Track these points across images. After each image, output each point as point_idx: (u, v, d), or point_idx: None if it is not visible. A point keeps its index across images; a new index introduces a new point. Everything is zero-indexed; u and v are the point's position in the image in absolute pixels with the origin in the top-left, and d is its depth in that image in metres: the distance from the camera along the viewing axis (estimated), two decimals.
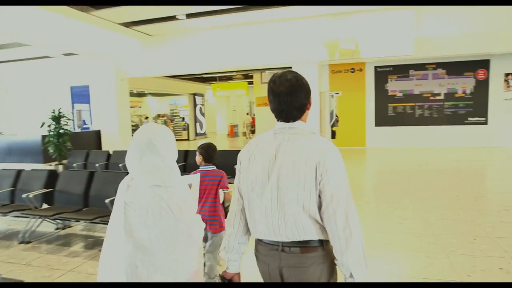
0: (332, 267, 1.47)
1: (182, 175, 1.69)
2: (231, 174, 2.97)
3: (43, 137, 9.65)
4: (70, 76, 13.42)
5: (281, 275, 1.47)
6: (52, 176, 4.88)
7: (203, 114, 22.09)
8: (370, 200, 5.78)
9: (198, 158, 3.00)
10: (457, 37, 9.81)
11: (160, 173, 1.51)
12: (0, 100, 15.31)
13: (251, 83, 18.41)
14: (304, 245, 1.43)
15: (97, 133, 12.73)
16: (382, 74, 12.94)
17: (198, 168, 3.05)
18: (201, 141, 3.34)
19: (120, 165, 7.02)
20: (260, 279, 1.61)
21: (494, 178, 7.54)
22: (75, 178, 4.70)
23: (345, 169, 1.42)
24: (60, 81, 13.66)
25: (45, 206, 4.81)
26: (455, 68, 12.37)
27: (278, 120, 1.55)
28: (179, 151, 1.97)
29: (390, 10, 9.37)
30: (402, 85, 12.79)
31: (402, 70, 12.77)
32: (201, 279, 1.65)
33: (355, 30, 9.74)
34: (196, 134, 21.20)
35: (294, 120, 1.52)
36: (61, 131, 9.06)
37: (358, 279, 1.36)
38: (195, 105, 21.44)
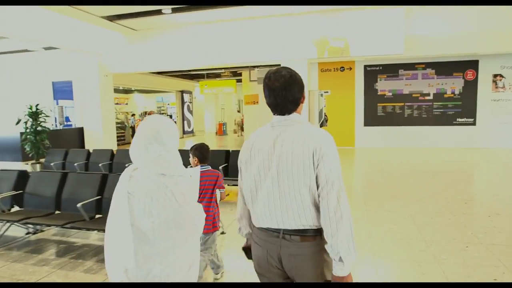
0: (323, 256, 1.54)
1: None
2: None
3: (22, 134, 9.26)
4: (51, 71, 12.96)
5: (279, 260, 1.55)
6: (23, 177, 4.57)
7: (191, 112, 21.74)
8: (358, 204, 5.60)
9: (193, 160, 2.98)
10: (446, 36, 9.72)
11: (165, 162, 1.55)
12: None
13: (239, 81, 18.14)
14: (303, 234, 1.50)
15: (80, 131, 12.34)
16: (372, 73, 12.83)
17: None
18: (189, 140, 3.14)
19: (100, 164, 6.73)
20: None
21: (483, 181, 7.45)
22: (47, 179, 4.40)
23: (338, 156, 1.51)
24: (41, 76, 13.18)
25: (16, 208, 4.51)
26: (444, 68, 12.33)
27: (274, 114, 1.64)
28: None
29: (380, 8, 9.21)
30: (392, 85, 12.70)
31: (391, 70, 12.67)
32: (196, 274, 1.67)
33: (344, 28, 9.56)
34: (184, 132, 20.85)
35: (289, 113, 1.59)
36: (39, 128, 8.65)
37: (347, 263, 1.42)
38: (182, 102, 21.07)
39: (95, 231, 4.04)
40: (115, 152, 7.15)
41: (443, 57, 12.04)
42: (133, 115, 22.04)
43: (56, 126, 12.98)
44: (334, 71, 13.11)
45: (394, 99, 12.70)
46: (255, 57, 10.46)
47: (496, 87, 12.19)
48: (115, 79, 14.08)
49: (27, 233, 4.53)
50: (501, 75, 12.13)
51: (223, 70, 16.61)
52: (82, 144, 12.24)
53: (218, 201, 3.01)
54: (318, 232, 1.51)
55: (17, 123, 8.52)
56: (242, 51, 10.40)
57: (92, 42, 10.70)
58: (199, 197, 2.79)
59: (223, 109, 24.30)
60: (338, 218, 1.42)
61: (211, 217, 2.93)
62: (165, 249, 1.53)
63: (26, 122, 8.55)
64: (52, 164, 7.05)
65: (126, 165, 6.51)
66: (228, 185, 5.54)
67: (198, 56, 10.92)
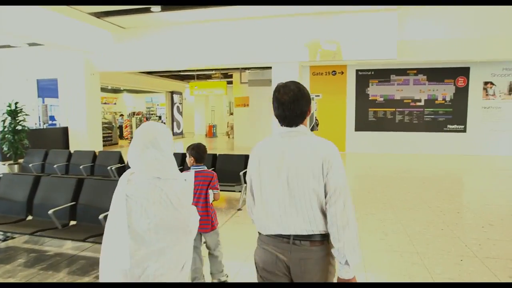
0: (333, 258, 1.64)
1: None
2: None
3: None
4: (36, 68, 12.55)
5: (288, 266, 1.62)
6: None
7: (180, 113, 21.44)
8: None
9: (189, 159, 3.01)
10: (438, 42, 9.64)
11: (160, 166, 1.61)
12: None
13: (230, 82, 17.92)
14: (312, 239, 1.59)
15: (65, 131, 11.97)
16: (363, 78, 12.74)
17: (189, 169, 3.06)
18: (178, 141, 2.96)
19: (81, 166, 6.44)
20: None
21: (474, 189, 7.35)
22: (18, 182, 4.11)
23: (343, 165, 1.61)
24: (25, 73, 12.77)
25: None
26: (435, 74, 12.30)
27: (281, 125, 1.71)
28: None
29: (373, 11, 9.10)
30: (383, 90, 12.62)
31: (383, 75, 12.59)
32: (188, 273, 1.77)
33: (337, 31, 9.43)
34: (173, 134, 20.53)
35: (296, 125, 1.68)
36: (18, 127, 8.30)
37: (352, 266, 1.53)
38: (172, 103, 20.76)
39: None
40: (97, 154, 6.84)
41: (434, 63, 12.01)
42: (121, 115, 21.66)
43: (39, 125, 12.58)
44: (326, 75, 12.98)
45: (386, 104, 12.61)
46: (246, 58, 10.26)
47: (487, 95, 12.20)
48: (103, 78, 13.75)
49: None
50: (491, 83, 12.13)
51: (213, 72, 16.37)
52: (66, 145, 11.87)
53: (211, 201, 3.00)
54: (325, 237, 1.61)
55: None
56: (233, 52, 10.19)
57: (78, 39, 10.37)
58: (194, 197, 2.86)
59: (213, 111, 24.04)
60: (345, 224, 1.53)
61: (209, 217, 2.96)
62: (160, 250, 1.58)
63: (4, 121, 8.18)
64: (30, 165, 6.74)
65: (109, 167, 6.25)
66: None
67: (188, 56, 10.68)
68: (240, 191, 5.72)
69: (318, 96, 12.22)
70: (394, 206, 5.70)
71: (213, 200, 3.04)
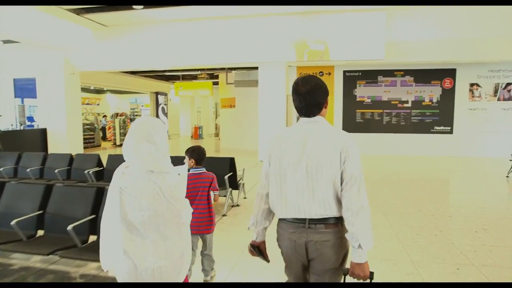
0: (343, 241, 1.72)
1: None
2: None
3: None
4: (12, 66, 12.03)
5: (306, 248, 1.71)
6: None
7: (165, 115, 20.99)
8: None
9: (190, 162, 3.02)
10: (425, 43, 9.58)
11: (154, 160, 1.65)
12: None
13: (216, 83, 17.63)
14: (327, 222, 1.68)
15: (43, 132, 11.50)
16: (351, 79, 12.62)
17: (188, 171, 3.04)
18: None
19: (57, 170, 6.07)
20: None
21: (464, 192, 7.24)
22: None
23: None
24: (1, 72, 12.23)
25: None
26: (422, 75, 12.26)
27: (300, 116, 1.80)
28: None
29: (361, 11, 8.97)
30: (371, 91, 12.52)
31: (370, 76, 12.50)
32: (189, 260, 1.81)
33: (324, 31, 9.27)
34: None
35: (314, 115, 1.77)
36: None
37: (365, 248, 1.61)
38: (157, 104, 20.32)
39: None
40: (74, 157, 6.47)
41: (421, 64, 11.96)
42: (104, 116, 21.12)
43: (16, 126, 12.06)
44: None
45: (373, 105, 12.52)
46: (232, 58, 10.02)
47: (473, 96, 12.22)
48: (84, 78, 13.31)
49: None
50: (477, 84, 12.16)
51: (199, 72, 16.06)
52: (44, 147, 11.41)
53: (212, 202, 3.05)
54: (339, 220, 1.71)
55: None
56: (219, 51, 9.93)
57: (56, 37, 9.95)
58: (195, 199, 2.89)
59: (199, 112, 23.67)
60: (359, 209, 1.62)
61: (212, 217, 3.01)
62: (155, 241, 1.62)
63: None
64: (1, 169, 6.33)
65: (87, 171, 5.90)
66: None
67: (172, 56, 10.38)
68: (225, 196, 5.46)
69: None
70: (384, 210, 5.51)
71: (213, 201, 3.10)
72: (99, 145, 17.35)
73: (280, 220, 1.83)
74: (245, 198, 6.32)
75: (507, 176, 8.38)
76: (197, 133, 21.38)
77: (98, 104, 23.16)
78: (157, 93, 20.17)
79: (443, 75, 12.19)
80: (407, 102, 12.39)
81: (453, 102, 12.22)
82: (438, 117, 12.29)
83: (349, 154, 1.67)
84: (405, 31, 9.52)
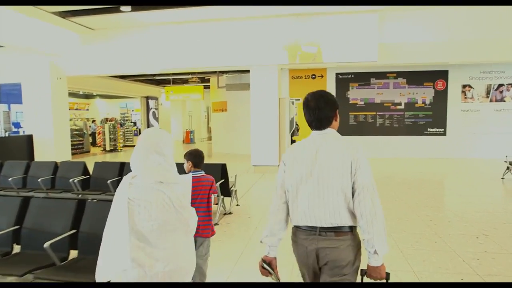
0: (358, 249, 1.80)
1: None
2: None
3: None
4: None
5: (317, 255, 1.78)
6: None
7: (156, 119, 20.70)
8: None
9: (188, 165, 3.01)
10: (418, 44, 9.48)
11: (163, 171, 1.71)
12: None
13: (207, 87, 17.43)
14: (337, 230, 1.75)
15: (29, 139, 11.14)
16: (344, 81, 12.52)
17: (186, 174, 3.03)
18: None
19: (40, 179, 5.81)
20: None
21: (461, 195, 7.12)
22: None
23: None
24: None
25: None
26: (415, 77, 12.21)
27: (311, 129, 1.91)
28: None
29: (353, 13, 8.86)
30: (363, 94, 12.43)
31: (363, 78, 12.41)
32: (194, 264, 1.85)
33: (317, 34, 9.13)
34: None
35: (324, 128, 1.87)
36: None
37: (381, 254, 1.69)
38: (148, 109, 20.03)
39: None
40: (59, 165, 6.21)
41: (413, 66, 11.91)
42: (93, 121, 20.77)
43: (0, 133, 11.70)
44: (305, 78, 12.70)
45: (366, 108, 12.42)
46: (223, 61, 9.81)
47: (465, 98, 12.20)
48: (72, 82, 13.01)
49: None
50: (469, 86, 12.15)
51: (190, 76, 15.86)
52: (31, 154, 11.06)
53: (211, 205, 3.03)
54: (350, 229, 1.75)
55: None
56: (210, 54, 9.72)
57: (42, 41, 9.67)
58: (195, 203, 2.80)
59: (190, 116, 23.41)
60: (373, 217, 1.67)
61: (211, 221, 2.95)
62: (165, 248, 1.66)
63: None
64: None
65: (72, 180, 5.65)
66: None
67: (162, 59, 10.14)
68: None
69: (298, 100, 11.89)
70: None
71: (213, 204, 3.08)
72: (89, 151, 17.00)
73: (294, 227, 1.89)
74: (237, 205, 6.11)
75: (503, 178, 8.30)
76: (188, 138, 21.12)
77: (88, 109, 22.78)
78: (147, 98, 19.89)
79: (436, 76, 12.16)
80: (400, 104, 12.32)
81: (446, 104, 12.19)
82: (432, 119, 12.24)
83: (360, 165, 1.73)
84: (398, 33, 9.42)
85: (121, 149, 17.45)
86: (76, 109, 21.60)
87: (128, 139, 19.74)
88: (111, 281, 1.65)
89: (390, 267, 3.36)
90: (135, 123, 21.32)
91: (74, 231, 2.98)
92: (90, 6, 8.51)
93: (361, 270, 1.81)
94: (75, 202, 3.10)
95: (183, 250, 1.76)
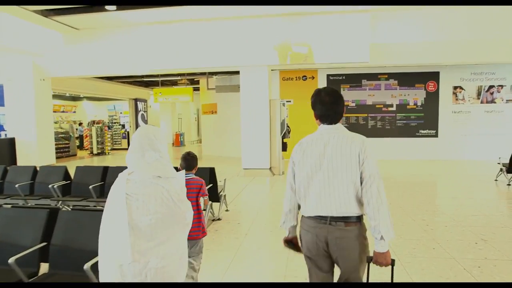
0: (365, 238, 1.92)
1: None
2: None
3: None
4: None
5: (326, 243, 1.88)
6: None
7: (145, 122, 20.33)
8: None
9: (180, 168, 3.04)
10: (409, 45, 9.38)
11: (161, 166, 1.76)
12: None
13: (197, 89, 17.16)
14: (347, 220, 1.85)
15: (11, 142, 10.75)
16: (335, 82, 12.38)
17: None
18: None
19: (18, 185, 5.50)
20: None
21: (455, 197, 6.98)
22: None
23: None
24: None
25: None
26: (406, 79, 12.14)
27: (323, 123, 2.00)
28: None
29: (345, 13, 8.70)
30: (355, 95, 12.31)
31: (355, 80, 12.29)
32: (186, 262, 1.85)
33: (308, 34, 8.95)
34: None
35: (335, 123, 1.99)
36: None
37: (387, 239, 1.79)
38: (136, 111, 19.66)
39: None
40: (38, 169, 5.89)
41: (405, 67, 11.84)
42: (80, 124, 20.31)
43: None
44: (296, 80, 12.53)
45: (358, 109, 12.30)
46: (212, 62, 9.56)
47: (457, 99, 12.16)
48: (57, 84, 12.65)
49: None
50: (461, 87, 12.11)
51: (179, 77, 15.56)
52: (13, 158, 10.67)
53: (202, 208, 3.09)
54: (358, 219, 1.87)
55: None
56: (198, 55, 9.47)
57: (24, 40, 9.33)
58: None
59: (180, 118, 23.08)
60: (379, 205, 1.79)
61: (201, 223, 2.96)
62: (160, 243, 1.67)
63: None
64: None
65: (51, 185, 5.34)
66: None
67: (149, 60, 9.85)
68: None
69: (289, 102, 11.72)
70: None
71: (204, 206, 3.16)
72: (75, 155, 16.58)
73: (303, 217, 1.99)
74: (227, 210, 5.86)
75: (496, 180, 8.21)
76: (178, 140, 20.80)
77: (75, 112, 22.29)
78: (136, 100, 19.53)
79: (427, 78, 12.10)
80: (391, 105, 12.22)
81: (438, 105, 12.13)
82: (423, 121, 12.16)
83: (367, 156, 1.85)
84: (390, 33, 9.29)
85: (109, 152, 17.07)
86: (63, 111, 21.11)
87: (117, 142, 19.35)
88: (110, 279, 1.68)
89: (388, 277, 3.09)
90: (123, 126, 20.92)
91: (44, 243, 2.71)
92: (73, 5, 8.24)
93: (368, 257, 1.90)
94: (46, 211, 2.83)
95: (176, 245, 1.77)
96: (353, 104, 12.30)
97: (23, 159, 10.52)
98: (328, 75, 12.37)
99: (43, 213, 2.82)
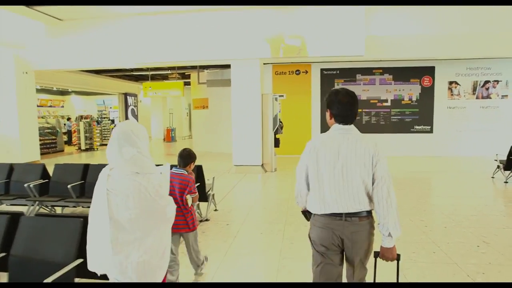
0: (373, 233, 2.07)
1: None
2: None
3: None
4: None
5: (342, 238, 2.00)
6: None
7: (136, 117, 19.92)
8: None
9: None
10: (405, 38, 9.15)
11: (138, 161, 1.74)
12: None
13: (188, 83, 16.78)
14: (359, 215, 1.99)
15: None
16: (329, 77, 12.11)
17: None
18: None
19: None
20: None
21: (452, 195, 6.75)
22: None
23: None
24: None
25: None
26: (401, 73, 11.90)
27: (339, 123, 2.07)
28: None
29: (340, 5, 8.39)
30: None
31: (349, 74, 12.03)
32: (168, 258, 1.88)
33: (301, 26, 8.64)
34: None
35: (351, 123, 2.07)
36: None
37: (394, 237, 1.95)
38: (126, 106, 19.26)
39: None
40: (14, 167, 5.53)
41: (400, 61, 11.60)
42: (68, 119, 19.83)
43: None
44: (289, 74, 12.23)
45: None
46: (202, 55, 9.19)
47: (452, 95, 11.96)
48: (42, 77, 12.24)
49: None
50: (456, 82, 11.91)
51: (169, 71, 15.17)
52: None
53: (189, 205, 3.13)
54: (369, 213, 2.03)
55: None
56: (188, 48, 9.10)
57: (4, 31, 8.90)
58: (174, 197, 2.89)
59: (171, 113, 22.67)
60: (389, 204, 1.94)
61: (190, 217, 3.09)
62: (141, 237, 1.71)
63: None
64: None
65: (27, 184, 5.00)
66: None
67: (138, 53, 9.45)
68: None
69: (282, 96, 11.43)
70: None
71: (191, 203, 3.19)
72: (62, 150, 16.11)
73: (317, 215, 2.06)
74: (216, 210, 5.58)
75: (493, 177, 8.02)
76: (169, 136, 20.42)
77: (63, 106, 21.79)
78: (126, 94, 19.12)
79: (422, 73, 11.88)
80: (386, 101, 12.00)
81: (433, 101, 11.93)
82: (418, 116, 11.96)
83: (380, 158, 1.98)
84: (385, 25, 9.03)
85: (97, 148, 16.64)
86: (50, 106, 20.62)
87: (106, 138, 18.91)
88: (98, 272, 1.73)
89: (393, 272, 2.71)
90: (113, 121, 20.48)
91: (3, 254, 2.40)
92: None
93: (374, 252, 2.05)
94: (6, 217, 2.52)
95: (158, 240, 1.78)
96: None
97: (4, 155, 10.08)
98: (322, 70, 12.09)
99: (2, 219, 2.51)
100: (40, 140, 13.52)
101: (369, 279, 2.16)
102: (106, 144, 17.93)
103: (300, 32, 8.65)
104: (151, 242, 1.73)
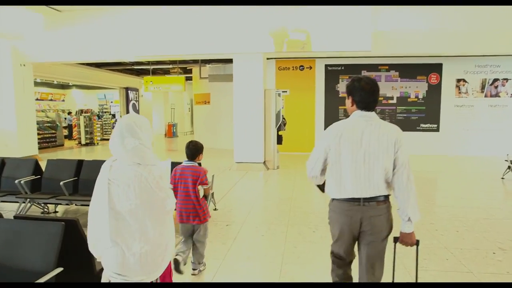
0: (391, 218, 2.12)
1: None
2: None
3: None
4: None
5: (360, 223, 2.06)
6: None
7: (137, 111, 19.67)
8: (324, 235, 4.31)
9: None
10: (412, 34, 8.85)
11: (140, 153, 1.77)
12: None
13: (190, 78, 16.51)
14: (377, 200, 2.04)
15: None
16: (333, 73, 11.83)
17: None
18: None
19: None
20: None
21: (463, 197, 6.49)
22: None
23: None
24: None
25: None
26: (408, 70, 11.60)
27: (361, 110, 2.09)
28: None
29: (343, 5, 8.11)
30: None
31: (354, 70, 11.73)
32: (172, 249, 1.90)
33: (306, 19, 8.37)
34: None
35: (372, 110, 2.10)
36: None
37: (414, 220, 2.02)
38: (127, 100, 19.01)
39: None
40: (5, 162, 5.31)
41: (406, 58, 11.29)
42: (69, 113, 19.63)
43: None
44: (293, 69, 11.95)
45: None
46: (205, 48, 8.94)
47: (459, 92, 11.67)
48: (41, 70, 12.01)
49: None
50: (464, 80, 11.61)
51: (171, 66, 14.91)
52: None
53: (201, 196, 3.16)
54: (386, 198, 2.08)
55: None
56: (191, 41, 8.84)
57: (1, 22, 8.64)
58: (178, 191, 3.08)
59: (173, 108, 22.43)
60: (409, 189, 2.01)
61: (201, 209, 3.13)
62: (141, 228, 1.72)
63: None
64: None
65: (17, 181, 4.78)
66: None
67: (138, 46, 9.20)
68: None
69: (285, 92, 11.18)
70: None
71: (203, 195, 3.22)
72: (62, 145, 15.92)
73: (336, 200, 2.12)
74: (215, 209, 5.35)
75: (503, 178, 7.76)
76: (171, 131, 20.20)
77: (63, 100, 21.56)
78: (127, 89, 18.88)
79: (429, 70, 11.58)
80: (392, 98, 11.71)
81: (440, 99, 11.64)
82: (424, 114, 11.68)
83: (402, 145, 2.01)
84: (391, 20, 8.76)
85: (98, 143, 16.43)
86: (51, 99, 20.41)
87: (107, 132, 18.69)
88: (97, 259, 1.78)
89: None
90: (114, 115, 20.26)
91: None
92: None
93: (394, 237, 2.11)
94: None
95: (160, 232, 1.78)
96: None
97: (1, 149, 9.88)
98: (326, 65, 11.80)
99: None
100: (40, 134, 13.35)
101: (388, 263, 2.21)
102: (106, 139, 17.76)
103: (305, 26, 8.38)
104: (152, 233, 1.74)
